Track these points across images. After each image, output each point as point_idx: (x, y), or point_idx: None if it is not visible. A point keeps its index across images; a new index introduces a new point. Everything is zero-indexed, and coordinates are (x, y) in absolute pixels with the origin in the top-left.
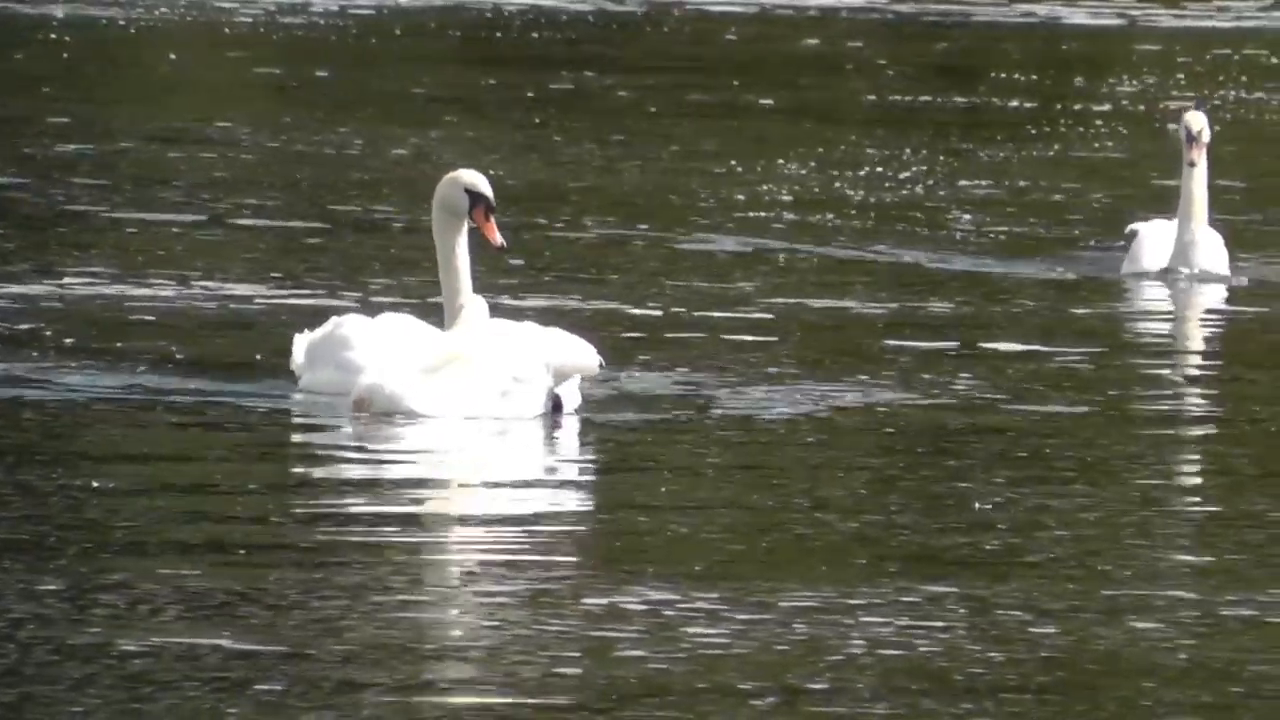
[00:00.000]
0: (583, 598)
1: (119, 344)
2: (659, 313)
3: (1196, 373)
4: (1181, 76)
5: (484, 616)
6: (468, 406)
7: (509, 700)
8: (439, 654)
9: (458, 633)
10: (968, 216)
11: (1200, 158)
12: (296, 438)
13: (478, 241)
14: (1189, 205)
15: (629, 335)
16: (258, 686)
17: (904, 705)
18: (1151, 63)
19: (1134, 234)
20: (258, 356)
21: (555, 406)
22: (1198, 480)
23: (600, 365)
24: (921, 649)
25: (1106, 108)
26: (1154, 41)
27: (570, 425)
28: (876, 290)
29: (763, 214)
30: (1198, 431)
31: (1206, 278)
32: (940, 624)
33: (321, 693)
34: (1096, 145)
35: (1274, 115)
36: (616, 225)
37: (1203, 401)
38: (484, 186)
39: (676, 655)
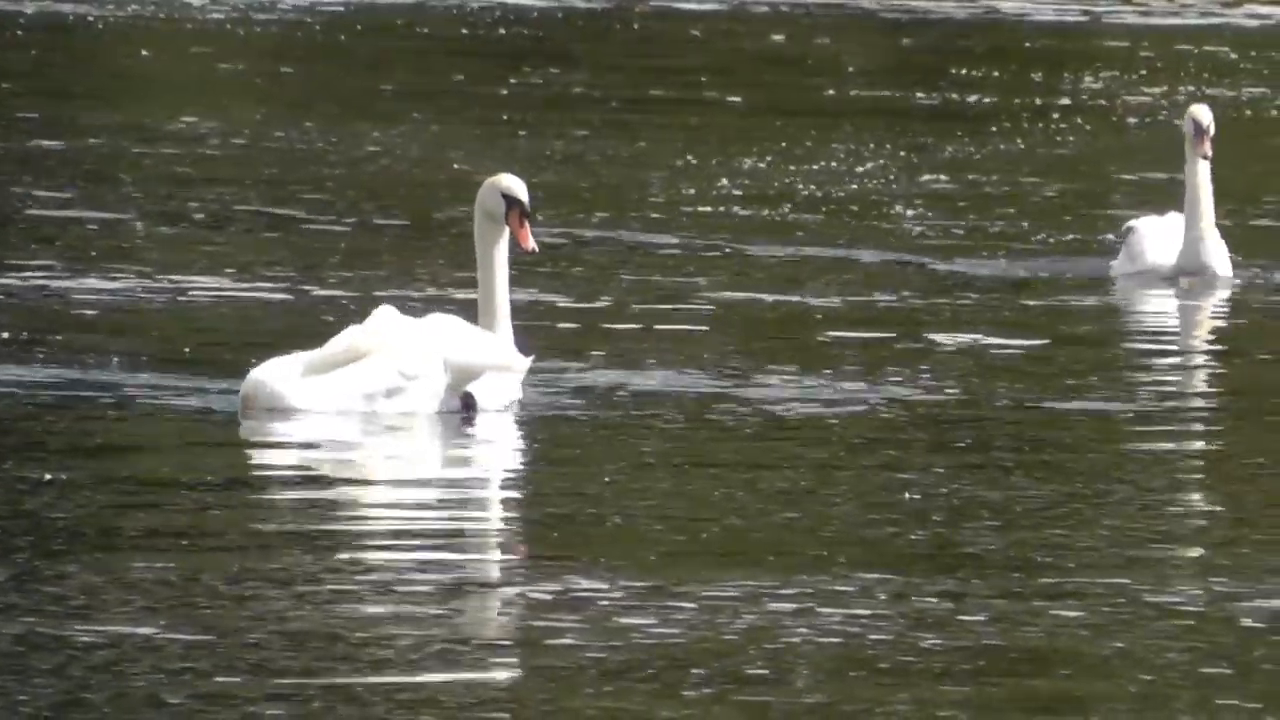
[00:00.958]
0: (517, 587)
1: (62, 337)
2: (603, 305)
3: (1156, 367)
4: (1144, 72)
5: (419, 604)
6: (353, 403)
7: (442, 678)
8: (373, 640)
9: (392, 619)
10: (913, 212)
11: (1210, 151)
12: (240, 431)
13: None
14: (1196, 201)
15: (569, 326)
16: (201, 675)
17: (838, 693)
18: (1114, 59)
19: (1130, 230)
20: (186, 350)
21: (467, 405)
22: (1137, 473)
23: (520, 364)
24: (856, 638)
25: (1069, 103)
26: (1118, 38)
27: (499, 421)
28: (823, 284)
29: (718, 209)
30: (1145, 428)
31: (1216, 277)
32: (875, 613)
33: (261, 680)
34: (1059, 140)
35: (1234, 110)
36: (570, 220)
37: (1168, 397)
38: (520, 191)
39: (613, 643)
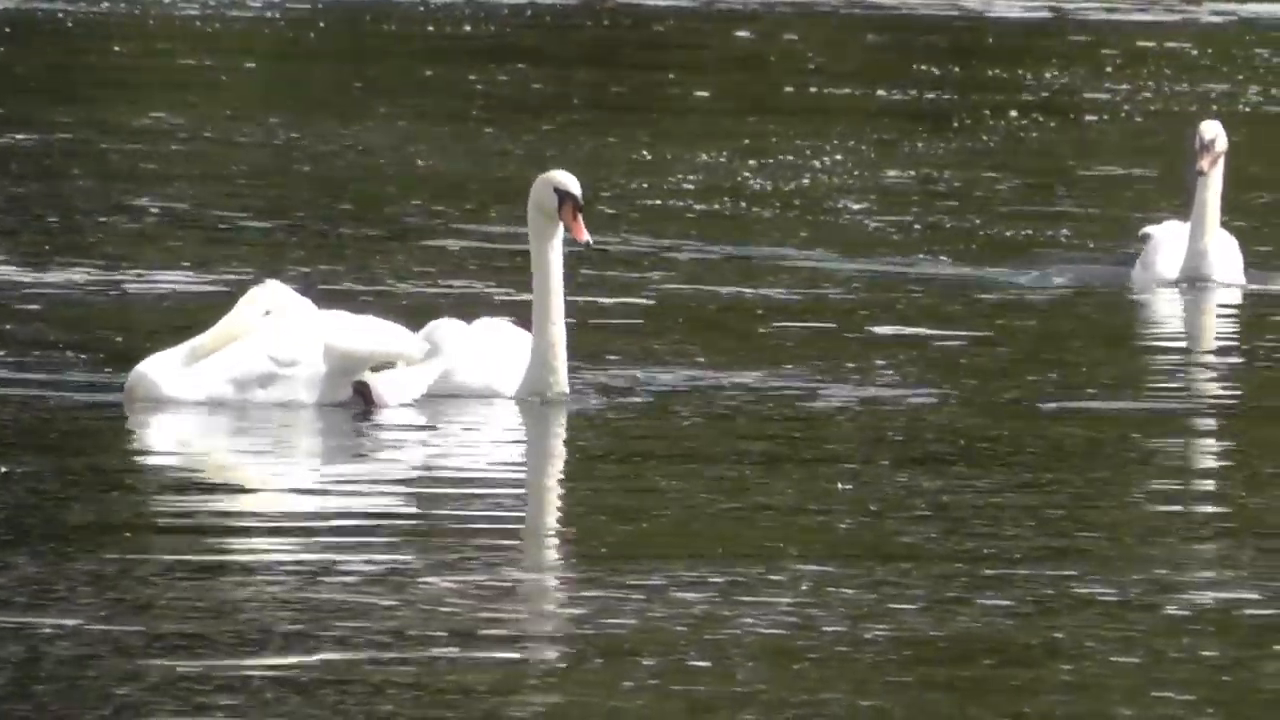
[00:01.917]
0: (435, 575)
1: (10, 327)
2: (507, 293)
3: (1104, 360)
4: (1109, 69)
5: (318, 592)
6: (230, 393)
7: (336, 658)
8: (266, 627)
9: (288, 604)
10: (860, 205)
11: (1210, 166)
12: (147, 423)
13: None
14: (1201, 214)
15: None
16: (93, 666)
17: (775, 681)
18: (1077, 56)
19: (1147, 237)
20: (119, 340)
21: (362, 395)
22: (1075, 465)
23: (416, 351)
24: (792, 628)
25: (1032, 99)
26: (1082, 34)
27: (391, 413)
28: (767, 278)
29: (673, 203)
30: (1089, 421)
31: (1220, 287)
32: (810, 603)
33: (156, 669)
34: (1022, 136)
35: (1192, 104)
36: (518, 214)
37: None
38: (572, 185)
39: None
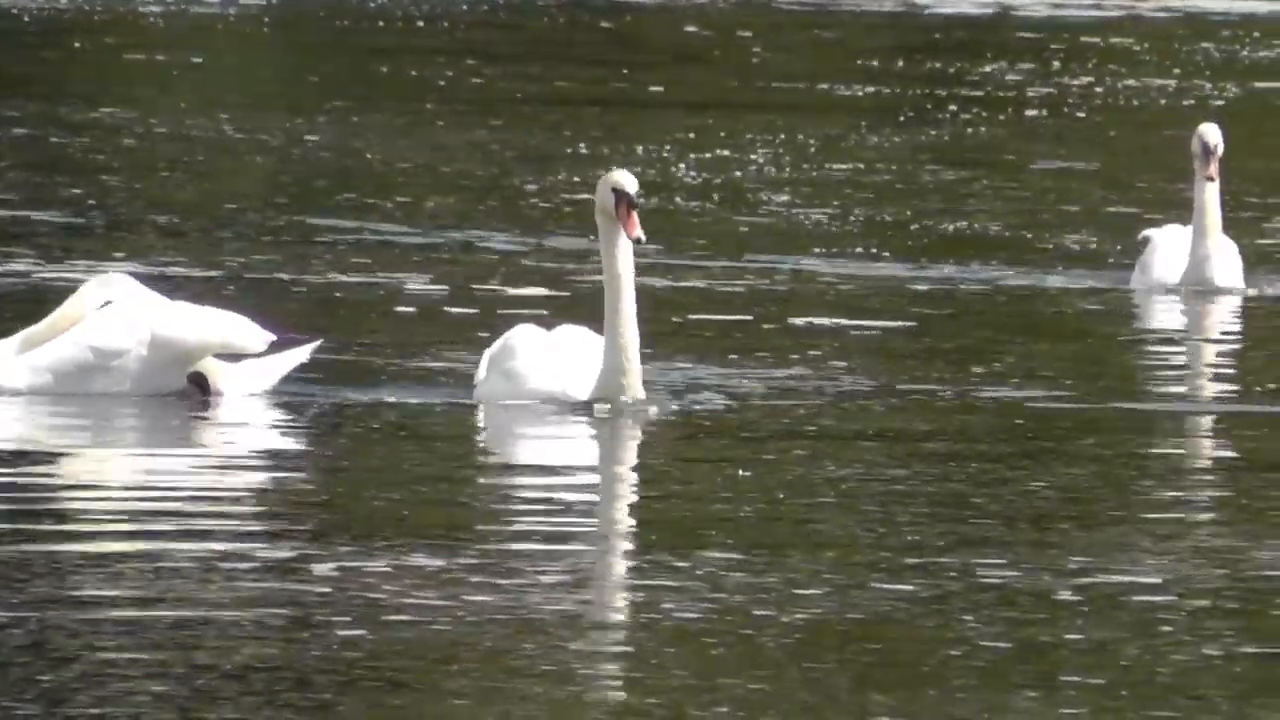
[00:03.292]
0: (313, 564)
1: None
2: (444, 290)
3: (1032, 354)
4: (1056, 64)
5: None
6: (50, 383)
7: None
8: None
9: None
10: (785, 197)
11: (1216, 172)
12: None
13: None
14: (1203, 218)
15: (403, 310)
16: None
17: (680, 669)
18: (1023, 50)
19: (1146, 241)
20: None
21: (198, 385)
22: (957, 450)
23: (257, 343)
24: (690, 615)
25: (976, 94)
26: (1028, 30)
27: (248, 404)
28: (688, 271)
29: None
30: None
31: (1222, 292)
32: (710, 589)
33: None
34: (971, 130)
35: (1136, 99)
36: (452, 209)
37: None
38: (626, 184)
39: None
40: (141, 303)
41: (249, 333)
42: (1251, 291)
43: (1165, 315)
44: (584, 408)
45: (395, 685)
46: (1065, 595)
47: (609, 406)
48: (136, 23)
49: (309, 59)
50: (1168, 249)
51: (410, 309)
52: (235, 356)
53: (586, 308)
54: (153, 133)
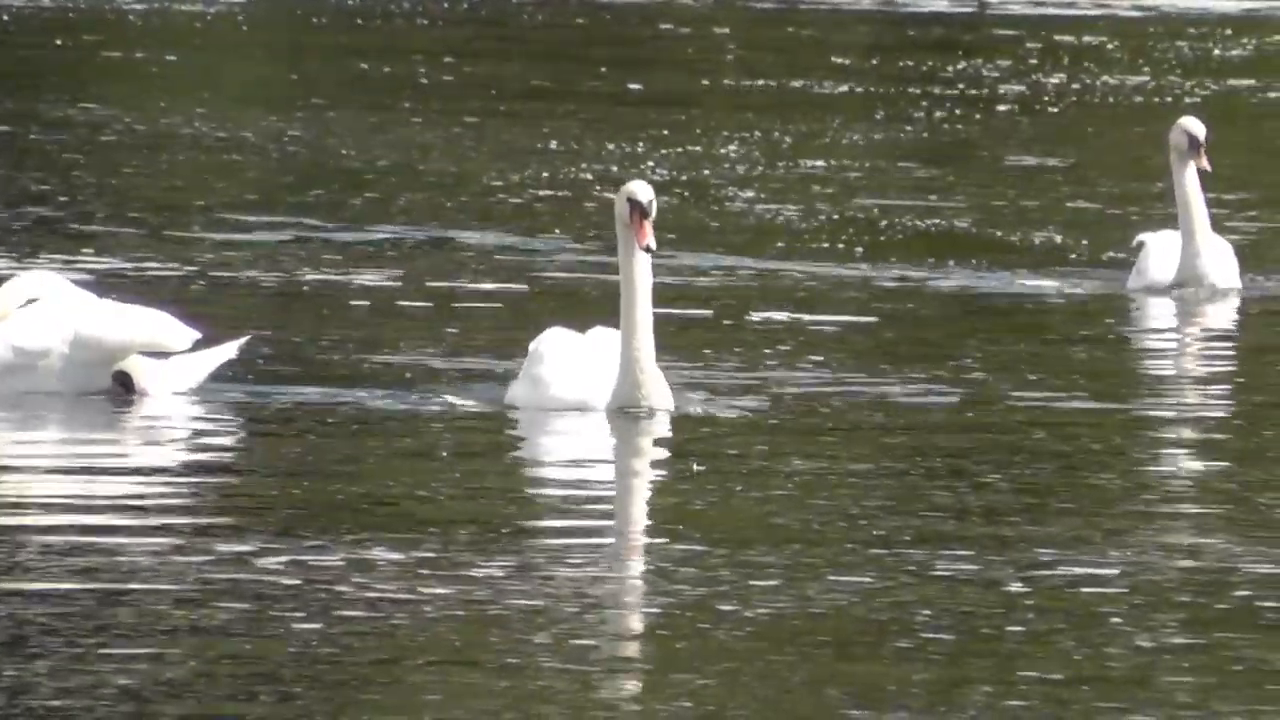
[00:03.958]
0: (262, 558)
1: None
2: (396, 284)
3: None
4: (1033, 61)
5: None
6: None
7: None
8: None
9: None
10: (751, 193)
11: (1209, 163)
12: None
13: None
14: (1189, 215)
15: (357, 304)
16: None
17: (644, 662)
18: (995, 48)
19: (1141, 245)
20: None
21: (123, 384)
22: (940, 451)
23: (180, 341)
24: (652, 610)
25: (951, 92)
26: (1004, 27)
27: (161, 403)
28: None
29: (559, 194)
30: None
31: (1216, 291)
32: (667, 583)
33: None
34: (948, 128)
35: (1111, 96)
36: (422, 206)
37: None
38: (639, 194)
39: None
40: (65, 301)
41: (173, 331)
42: (1246, 290)
43: (1132, 315)
44: (603, 417)
45: (356, 679)
46: (1017, 587)
47: (629, 415)
48: (116, 21)
49: (286, 57)
50: (1162, 251)
51: (365, 303)
52: (162, 354)
53: (556, 304)
54: (130, 130)
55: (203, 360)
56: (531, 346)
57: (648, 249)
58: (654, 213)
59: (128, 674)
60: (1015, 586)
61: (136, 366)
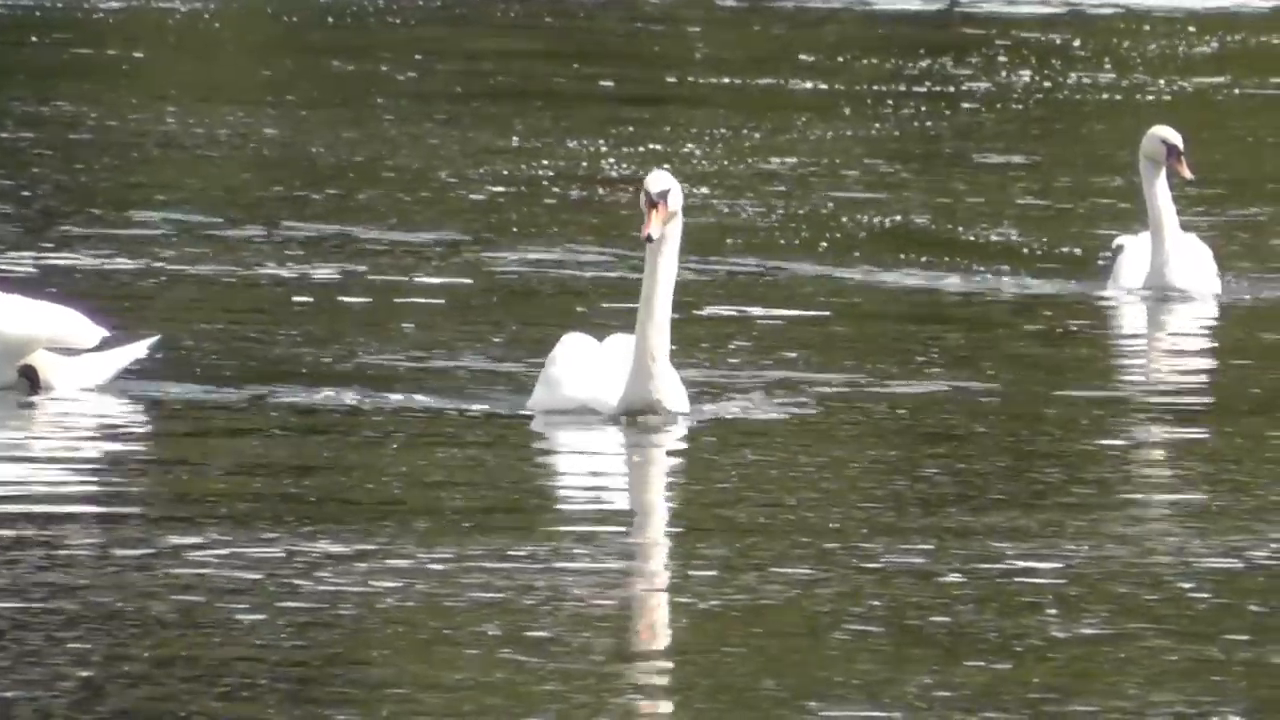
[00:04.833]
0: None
1: None
2: (336, 277)
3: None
4: (1002, 59)
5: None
6: None
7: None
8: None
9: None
10: (707, 190)
11: (1190, 173)
12: None
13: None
14: (1159, 221)
15: (299, 300)
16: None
17: (597, 654)
18: (966, 46)
19: (1120, 249)
20: None
21: (29, 379)
22: (901, 446)
23: (87, 337)
24: (607, 602)
25: (920, 90)
26: (974, 26)
27: (68, 399)
28: (614, 263)
29: (520, 190)
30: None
31: (1185, 296)
32: (624, 575)
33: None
34: (916, 125)
35: (1078, 94)
36: (384, 203)
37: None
38: (651, 184)
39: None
40: None
41: (79, 327)
42: (1220, 293)
43: (1090, 315)
44: (614, 419)
45: (318, 674)
46: (958, 579)
47: (642, 417)
48: (87, 18)
49: (258, 55)
50: (1137, 256)
51: (311, 299)
52: (69, 350)
53: (519, 301)
54: (100, 126)
55: (111, 358)
56: (553, 351)
57: (648, 238)
58: (676, 205)
59: (87, 666)
60: (954, 577)
61: (43, 362)
